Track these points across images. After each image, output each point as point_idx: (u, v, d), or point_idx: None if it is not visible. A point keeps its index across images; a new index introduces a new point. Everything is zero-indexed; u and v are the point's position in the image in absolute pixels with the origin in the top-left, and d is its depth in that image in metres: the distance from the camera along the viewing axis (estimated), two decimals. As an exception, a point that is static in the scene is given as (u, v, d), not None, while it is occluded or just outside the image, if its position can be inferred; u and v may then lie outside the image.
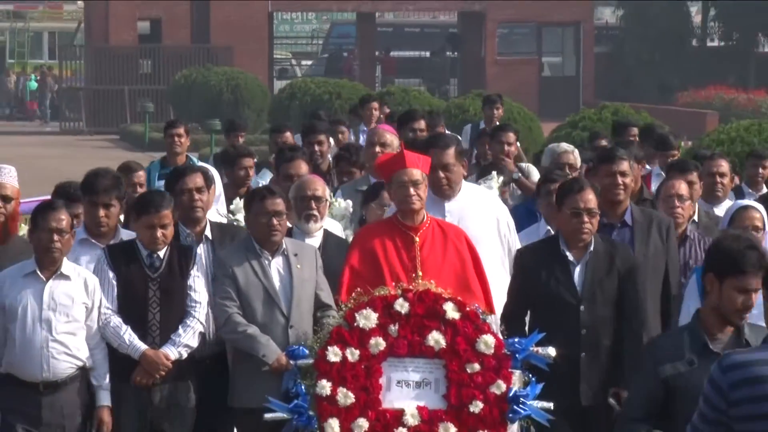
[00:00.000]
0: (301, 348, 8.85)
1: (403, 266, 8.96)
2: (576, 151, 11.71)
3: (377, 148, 11.95)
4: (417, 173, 9.14)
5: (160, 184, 13.43)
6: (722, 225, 9.64)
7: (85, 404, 8.73)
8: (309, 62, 55.60)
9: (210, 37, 47.97)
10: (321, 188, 9.98)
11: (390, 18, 56.56)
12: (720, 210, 10.82)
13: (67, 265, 8.50)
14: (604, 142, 13.75)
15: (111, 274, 8.64)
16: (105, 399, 8.69)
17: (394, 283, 8.92)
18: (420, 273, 8.89)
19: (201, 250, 9.13)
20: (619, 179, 9.59)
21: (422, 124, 13.15)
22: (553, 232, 9.73)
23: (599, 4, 54.80)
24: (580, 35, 51.07)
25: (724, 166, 11.25)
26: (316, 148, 14.19)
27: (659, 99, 41.07)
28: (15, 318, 8.47)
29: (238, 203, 10.87)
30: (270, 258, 8.86)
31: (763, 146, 18.06)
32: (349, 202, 10.98)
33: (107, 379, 8.59)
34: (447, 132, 15.57)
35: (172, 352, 8.63)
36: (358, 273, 8.86)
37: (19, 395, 8.52)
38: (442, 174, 9.79)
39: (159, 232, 8.79)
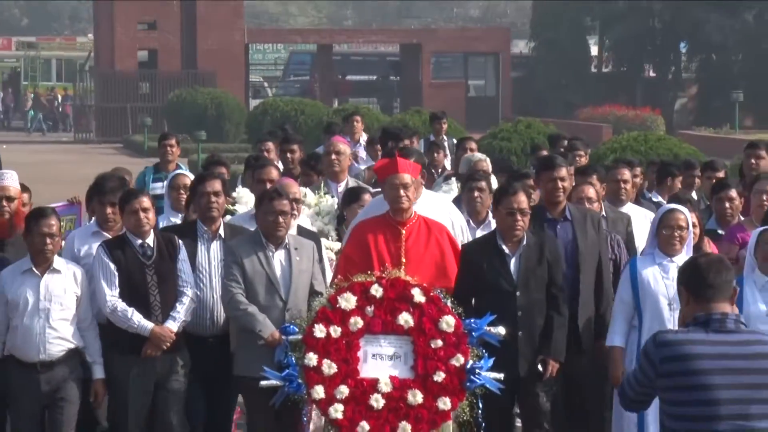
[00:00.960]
0: (291, 326, 8.58)
1: (390, 255, 8.85)
2: (488, 159, 11.98)
3: (333, 156, 12.12)
4: (407, 177, 8.97)
5: (155, 185, 13.93)
6: (652, 226, 9.47)
7: (80, 378, 8.64)
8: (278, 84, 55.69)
9: (197, 64, 48.85)
10: (297, 191, 10.05)
11: (344, 48, 57.84)
12: (625, 209, 11.35)
13: (58, 261, 8.47)
14: (544, 152, 13.67)
15: (112, 266, 8.49)
16: (99, 372, 8.66)
17: (381, 269, 8.80)
18: (404, 260, 8.79)
19: (215, 245, 9.02)
20: (559, 183, 9.43)
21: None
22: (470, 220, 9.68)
23: (515, 37, 56.83)
24: (499, 62, 52.52)
25: (626, 174, 11.51)
26: (289, 155, 13.93)
27: (564, 114, 43.09)
28: (17, 309, 8.43)
29: (239, 192, 11.11)
30: (274, 250, 8.68)
31: (648, 153, 19.31)
32: (335, 199, 10.82)
33: (100, 356, 8.60)
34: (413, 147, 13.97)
35: (174, 326, 8.57)
36: (351, 259, 8.81)
37: (20, 374, 8.52)
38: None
39: (142, 215, 8.64)
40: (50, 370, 8.35)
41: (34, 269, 8.30)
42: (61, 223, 9.64)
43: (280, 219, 8.51)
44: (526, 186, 9.49)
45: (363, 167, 14.70)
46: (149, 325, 8.24)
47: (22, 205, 9.77)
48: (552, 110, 41.14)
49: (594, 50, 53.05)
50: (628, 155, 17.48)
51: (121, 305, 8.26)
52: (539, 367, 8.79)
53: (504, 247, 8.76)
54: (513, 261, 8.75)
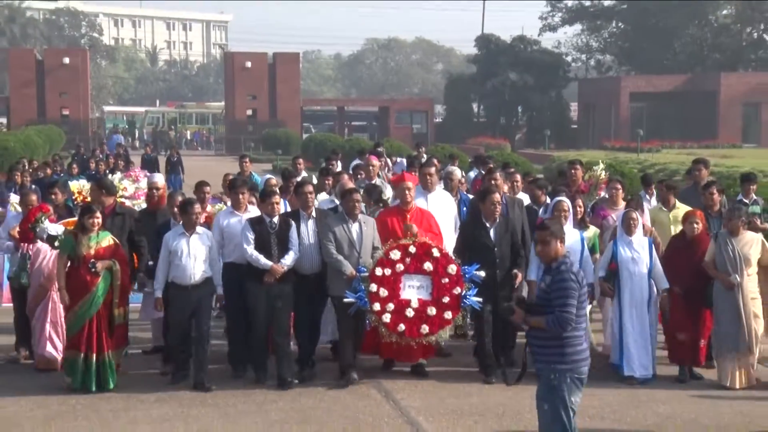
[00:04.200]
0: (362, 267, 8.08)
1: (400, 228, 8.27)
2: (457, 170, 10.53)
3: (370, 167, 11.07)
4: (410, 184, 8.55)
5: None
6: (548, 213, 8.74)
7: (211, 293, 8.37)
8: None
9: (277, 115, 48.94)
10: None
11: (350, 107, 58.03)
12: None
13: (198, 228, 8.25)
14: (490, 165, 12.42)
15: (251, 234, 8.02)
16: (220, 290, 8.34)
17: (410, 236, 8.15)
18: (408, 231, 8.22)
19: (311, 222, 8.26)
20: (497, 205, 8.25)
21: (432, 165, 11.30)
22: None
23: (436, 102, 59.48)
24: (428, 116, 53.03)
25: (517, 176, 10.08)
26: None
27: (461, 143, 41.25)
28: (177, 254, 8.07)
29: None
30: (351, 223, 8.19)
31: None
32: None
33: (221, 281, 8.32)
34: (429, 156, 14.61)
35: (284, 266, 8.05)
36: (381, 230, 8.26)
37: (179, 292, 8.06)
38: (429, 178, 9.10)
39: (276, 206, 7.99)
40: (196, 289, 8.25)
41: (185, 232, 8.30)
42: (215, 208, 9.67)
43: (357, 204, 8.38)
44: (500, 187, 9.23)
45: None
46: (269, 263, 8.21)
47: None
48: (455, 140, 44.38)
49: (476, 108, 56.71)
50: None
51: (255, 252, 8.23)
52: (514, 272, 8.34)
53: (487, 223, 8.48)
54: (492, 231, 8.44)
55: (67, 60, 47.15)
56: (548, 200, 9.71)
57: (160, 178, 10.28)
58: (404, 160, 16.45)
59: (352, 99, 71.17)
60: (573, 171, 10.74)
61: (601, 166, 11.35)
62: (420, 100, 63.31)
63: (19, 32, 72.98)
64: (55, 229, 8.82)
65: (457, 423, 7.11)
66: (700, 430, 7.09)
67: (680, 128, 43.65)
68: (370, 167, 11.43)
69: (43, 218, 8.85)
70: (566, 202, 8.65)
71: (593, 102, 49.70)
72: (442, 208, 9.44)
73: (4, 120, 47.61)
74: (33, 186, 13.64)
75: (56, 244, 8.68)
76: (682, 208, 9.33)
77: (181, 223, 8.63)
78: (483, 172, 11.59)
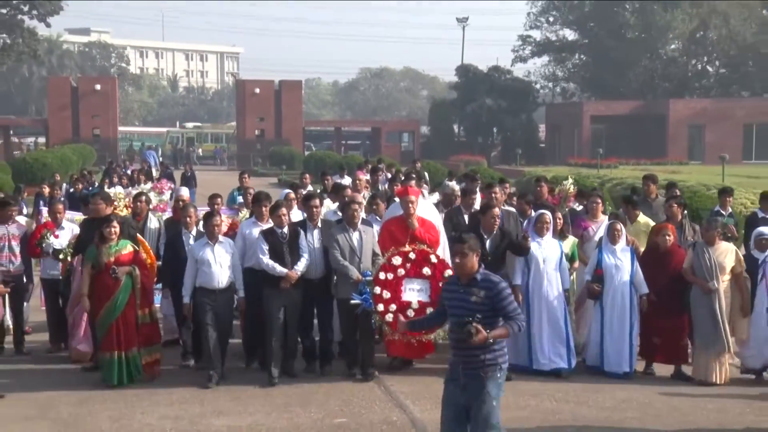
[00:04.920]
0: (368, 272, 7.83)
1: (403, 235, 7.98)
2: (457, 186, 10.30)
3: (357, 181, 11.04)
4: (413, 197, 8.23)
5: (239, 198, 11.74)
6: (531, 224, 8.27)
7: (232, 297, 8.16)
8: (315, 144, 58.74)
9: (282, 134, 49.03)
10: (362, 200, 8.90)
11: (347, 128, 58.23)
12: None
13: (221, 237, 8.06)
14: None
15: (265, 245, 7.76)
16: (241, 293, 8.07)
17: (412, 245, 7.87)
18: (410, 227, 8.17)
19: (316, 232, 7.95)
20: (497, 218, 8.05)
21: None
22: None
23: (422, 123, 57.95)
24: (415, 135, 52.76)
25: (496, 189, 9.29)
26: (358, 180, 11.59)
27: (444, 159, 39.68)
28: (203, 262, 7.77)
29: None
30: (352, 232, 7.96)
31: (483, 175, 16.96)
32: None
33: (242, 286, 8.02)
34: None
35: (297, 272, 7.82)
36: (387, 238, 7.96)
37: (206, 296, 7.79)
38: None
39: (284, 218, 7.70)
40: (222, 293, 8.05)
41: (209, 242, 8.06)
42: (240, 216, 9.50)
43: (356, 214, 8.09)
44: (498, 201, 8.94)
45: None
46: (284, 270, 7.98)
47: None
48: (439, 157, 42.45)
49: (456, 129, 55.44)
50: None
51: (270, 262, 8.00)
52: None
53: (484, 235, 8.05)
54: (488, 242, 8.06)
55: (98, 87, 47.49)
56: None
57: (185, 192, 10.17)
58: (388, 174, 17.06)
59: (347, 121, 71.19)
60: (539, 188, 10.48)
61: (570, 181, 11.15)
62: (407, 121, 63.13)
63: (56, 62, 73.30)
64: (60, 243, 8.62)
65: (439, 406, 7.52)
66: (652, 411, 7.14)
67: (635, 147, 44.02)
68: (357, 181, 11.23)
69: (48, 234, 8.69)
70: (548, 215, 8.40)
71: (559, 124, 49.94)
72: (429, 217, 9.39)
73: (43, 139, 47.97)
74: (62, 198, 13.31)
75: (61, 257, 8.53)
76: (644, 222, 9.07)
77: (190, 232, 8.37)
78: (466, 186, 11.33)
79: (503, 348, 4.99)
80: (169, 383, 7.97)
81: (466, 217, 8.88)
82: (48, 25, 47.41)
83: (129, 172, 22.06)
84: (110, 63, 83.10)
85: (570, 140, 47.28)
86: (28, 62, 60.33)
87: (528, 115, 50.78)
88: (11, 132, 48.44)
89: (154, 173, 22.76)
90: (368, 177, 13.99)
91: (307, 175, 13.66)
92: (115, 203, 10.38)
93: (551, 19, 52.88)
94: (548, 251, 7.98)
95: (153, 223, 9.33)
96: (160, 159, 35.95)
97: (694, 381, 7.84)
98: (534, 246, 8.13)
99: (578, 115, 46.85)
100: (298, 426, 6.78)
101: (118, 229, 7.96)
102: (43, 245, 8.56)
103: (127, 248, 7.98)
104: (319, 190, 11.67)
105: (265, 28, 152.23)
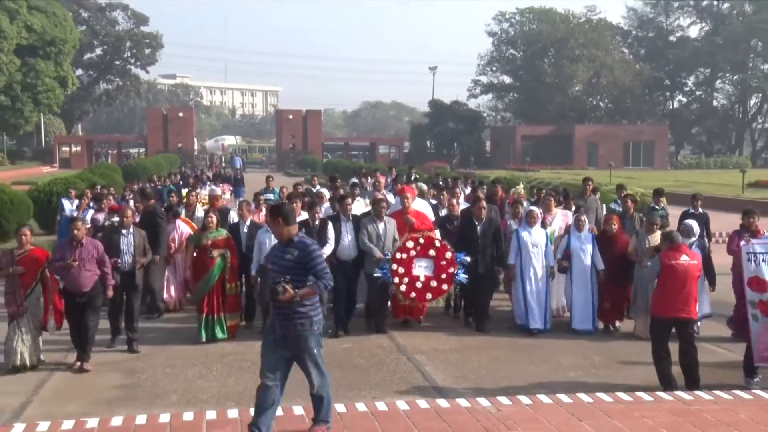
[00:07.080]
0: (387, 252, 7.00)
1: (403, 225, 7.14)
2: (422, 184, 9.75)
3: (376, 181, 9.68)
4: (409, 195, 7.49)
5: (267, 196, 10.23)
6: (523, 221, 7.48)
7: None
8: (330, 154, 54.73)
9: (307, 147, 46.79)
10: (386, 199, 7.65)
11: (352, 143, 54.36)
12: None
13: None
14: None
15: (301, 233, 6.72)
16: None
17: (404, 228, 7.21)
18: (407, 224, 7.28)
19: (349, 224, 6.94)
20: (483, 209, 7.22)
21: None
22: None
23: (406, 140, 54.98)
24: (402, 148, 50.54)
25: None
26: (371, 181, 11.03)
27: (421, 165, 35.95)
28: (264, 245, 6.69)
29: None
30: (379, 222, 7.11)
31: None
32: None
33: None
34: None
35: (324, 254, 6.46)
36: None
37: (266, 271, 6.29)
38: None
39: (316, 214, 7.10)
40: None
41: (269, 230, 7.14)
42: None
43: (383, 210, 7.26)
44: (483, 197, 8.11)
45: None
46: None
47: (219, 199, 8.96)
48: (416, 163, 42.13)
49: (429, 144, 50.99)
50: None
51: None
52: (498, 270, 7.48)
53: (475, 222, 7.39)
54: (479, 228, 7.36)
55: (181, 114, 47.55)
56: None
57: (217, 190, 9.42)
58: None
59: (353, 138, 69.37)
60: (495, 188, 9.72)
61: (521, 185, 10.55)
62: (395, 139, 62.32)
63: (152, 98, 74.92)
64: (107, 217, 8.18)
65: (436, 356, 6.34)
66: (589, 351, 6.49)
67: (551, 157, 43.78)
68: (377, 183, 10.27)
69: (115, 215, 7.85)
70: (537, 210, 7.56)
71: (499, 141, 49.84)
72: (422, 209, 8.58)
73: (143, 150, 47.96)
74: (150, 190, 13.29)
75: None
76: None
77: (245, 222, 7.69)
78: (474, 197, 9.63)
79: (315, 304, 4.05)
80: (225, 345, 6.70)
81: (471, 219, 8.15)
82: (147, 72, 49.89)
83: (198, 173, 21.18)
84: (189, 98, 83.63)
85: (507, 152, 47.17)
86: (133, 98, 61.17)
87: (478, 134, 50.70)
88: (122, 146, 49.47)
89: (239, 174, 21.91)
90: (388, 179, 13.25)
91: (316, 177, 13.24)
92: (221, 197, 9.43)
93: (494, 68, 53.34)
94: (536, 238, 7.33)
95: (199, 212, 8.70)
96: (244, 161, 35.97)
97: (617, 333, 7.22)
98: (524, 234, 7.36)
99: (512, 134, 46.87)
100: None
101: (214, 220, 7.22)
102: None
103: (222, 235, 7.23)
104: (353, 188, 10.13)
105: (298, 73, 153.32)
